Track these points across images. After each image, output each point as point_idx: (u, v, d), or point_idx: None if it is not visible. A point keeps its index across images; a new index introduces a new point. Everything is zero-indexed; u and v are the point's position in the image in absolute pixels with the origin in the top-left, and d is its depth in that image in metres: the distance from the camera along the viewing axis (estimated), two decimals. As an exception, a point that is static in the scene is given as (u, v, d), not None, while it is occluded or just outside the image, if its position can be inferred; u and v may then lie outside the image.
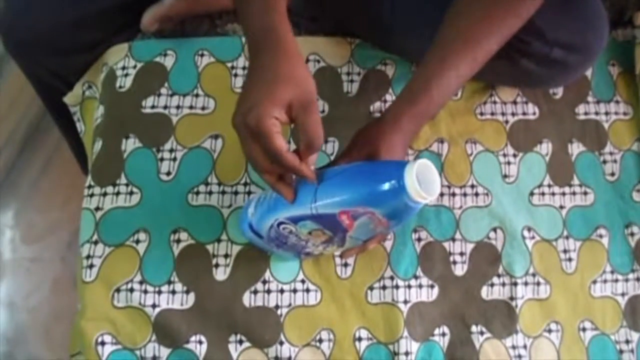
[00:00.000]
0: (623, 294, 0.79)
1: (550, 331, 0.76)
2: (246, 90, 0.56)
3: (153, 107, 0.78)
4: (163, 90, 0.79)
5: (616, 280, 0.80)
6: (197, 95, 0.80)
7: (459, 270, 0.76)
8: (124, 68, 0.80)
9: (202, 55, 0.82)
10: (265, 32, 0.57)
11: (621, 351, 0.77)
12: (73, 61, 0.82)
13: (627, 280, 0.80)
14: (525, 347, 0.74)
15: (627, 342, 0.78)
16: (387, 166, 0.52)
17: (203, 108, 0.79)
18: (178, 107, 0.79)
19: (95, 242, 0.71)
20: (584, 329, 0.77)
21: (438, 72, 0.65)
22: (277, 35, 0.57)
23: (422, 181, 0.50)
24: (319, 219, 0.56)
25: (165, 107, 0.79)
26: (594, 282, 0.79)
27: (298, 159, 0.56)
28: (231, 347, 0.69)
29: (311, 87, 0.56)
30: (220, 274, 0.72)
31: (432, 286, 0.75)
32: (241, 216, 0.69)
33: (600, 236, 0.81)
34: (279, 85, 0.55)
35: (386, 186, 0.50)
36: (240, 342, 0.70)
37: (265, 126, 0.54)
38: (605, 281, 0.79)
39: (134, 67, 0.80)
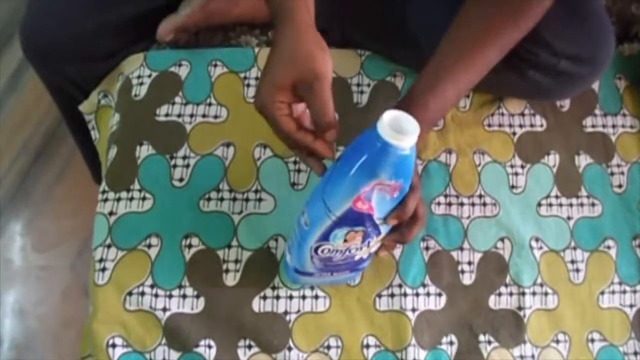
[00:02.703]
0: (631, 306, 0.79)
1: (558, 341, 0.76)
2: (261, 72, 0.57)
3: (167, 115, 0.80)
4: (177, 99, 0.81)
5: (624, 292, 0.79)
6: (210, 104, 0.81)
7: (467, 279, 0.76)
8: (139, 77, 0.82)
9: (215, 65, 0.84)
10: (277, 12, 0.57)
11: (629, 363, 0.77)
12: (90, 69, 0.84)
13: (635, 291, 0.80)
14: (533, 357, 0.74)
15: (636, 354, 0.77)
16: (363, 137, 0.52)
17: (216, 117, 0.81)
18: (191, 115, 0.80)
19: (108, 246, 0.73)
20: (592, 340, 0.77)
21: (434, 81, 0.66)
22: (287, 13, 0.56)
23: (399, 129, 0.50)
24: (342, 222, 0.56)
25: (179, 115, 0.80)
26: (602, 293, 0.79)
27: (310, 136, 0.56)
28: (240, 352, 0.70)
29: (317, 64, 0.54)
30: (230, 280, 0.72)
31: (440, 294, 0.75)
32: (285, 269, 0.71)
33: (608, 247, 0.81)
34: (280, 67, 0.55)
35: (371, 149, 0.51)
36: (249, 347, 0.70)
37: (268, 111, 0.55)
38: (613, 292, 0.79)
39: (149, 76, 0.82)
